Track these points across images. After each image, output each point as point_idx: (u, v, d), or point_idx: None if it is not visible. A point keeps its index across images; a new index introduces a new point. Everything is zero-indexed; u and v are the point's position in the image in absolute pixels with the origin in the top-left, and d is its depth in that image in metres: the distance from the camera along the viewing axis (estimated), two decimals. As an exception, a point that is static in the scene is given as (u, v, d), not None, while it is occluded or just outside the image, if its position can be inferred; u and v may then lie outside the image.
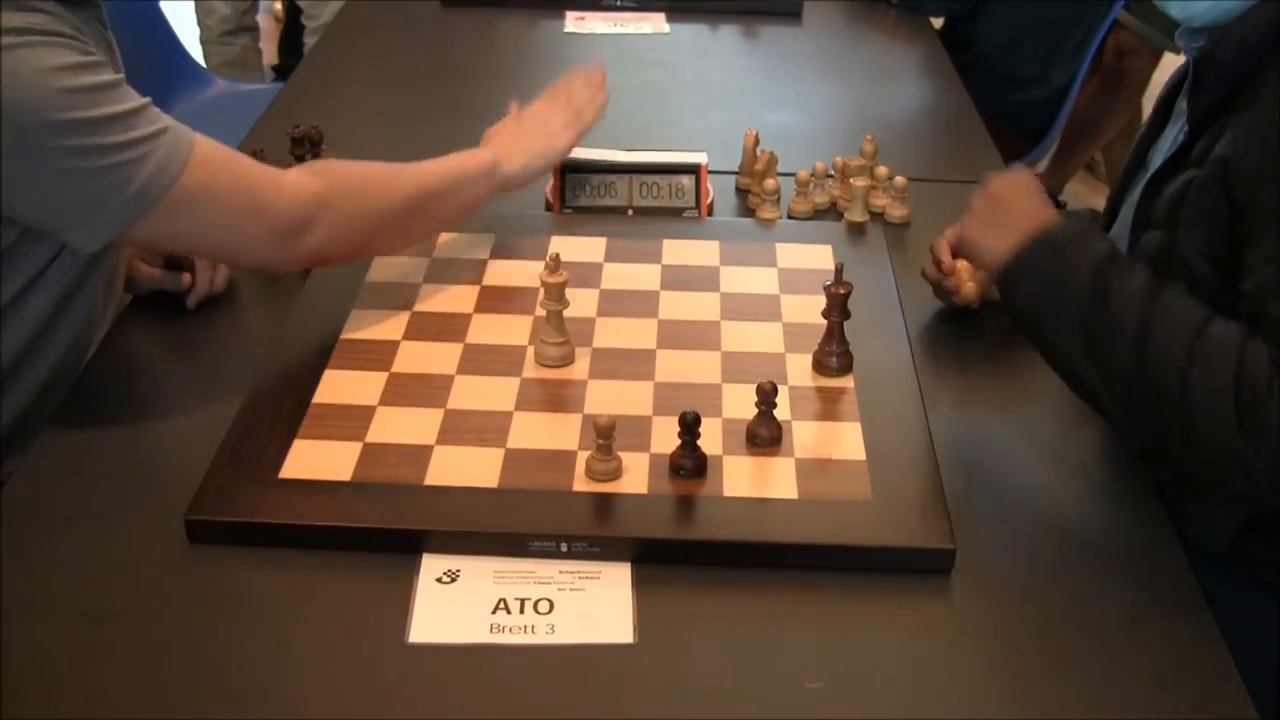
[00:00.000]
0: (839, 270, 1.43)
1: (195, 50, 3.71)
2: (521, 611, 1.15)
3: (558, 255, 1.42)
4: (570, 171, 1.79)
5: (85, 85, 1.27)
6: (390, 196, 1.49)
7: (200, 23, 3.91)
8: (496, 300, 1.56)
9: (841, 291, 1.41)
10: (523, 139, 1.68)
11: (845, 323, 1.43)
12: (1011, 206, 1.34)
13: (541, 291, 1.43)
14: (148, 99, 1.36)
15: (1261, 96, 1.26)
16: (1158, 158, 1.46)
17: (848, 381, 1.42)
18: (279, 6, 4.78)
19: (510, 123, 1.73)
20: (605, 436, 1.25)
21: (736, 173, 1.94)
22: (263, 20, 4.13)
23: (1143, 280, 1.22)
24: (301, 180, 1.42)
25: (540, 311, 1.46)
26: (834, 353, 1.44)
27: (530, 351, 1.46)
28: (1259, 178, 1.24)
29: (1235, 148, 1.27)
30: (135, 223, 1.30)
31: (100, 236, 1.31)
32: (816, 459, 1.30)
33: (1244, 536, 1.38)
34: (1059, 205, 3.76)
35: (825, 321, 1.43)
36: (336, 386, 1.40)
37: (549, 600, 1.17)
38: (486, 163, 1.60)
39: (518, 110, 1.75)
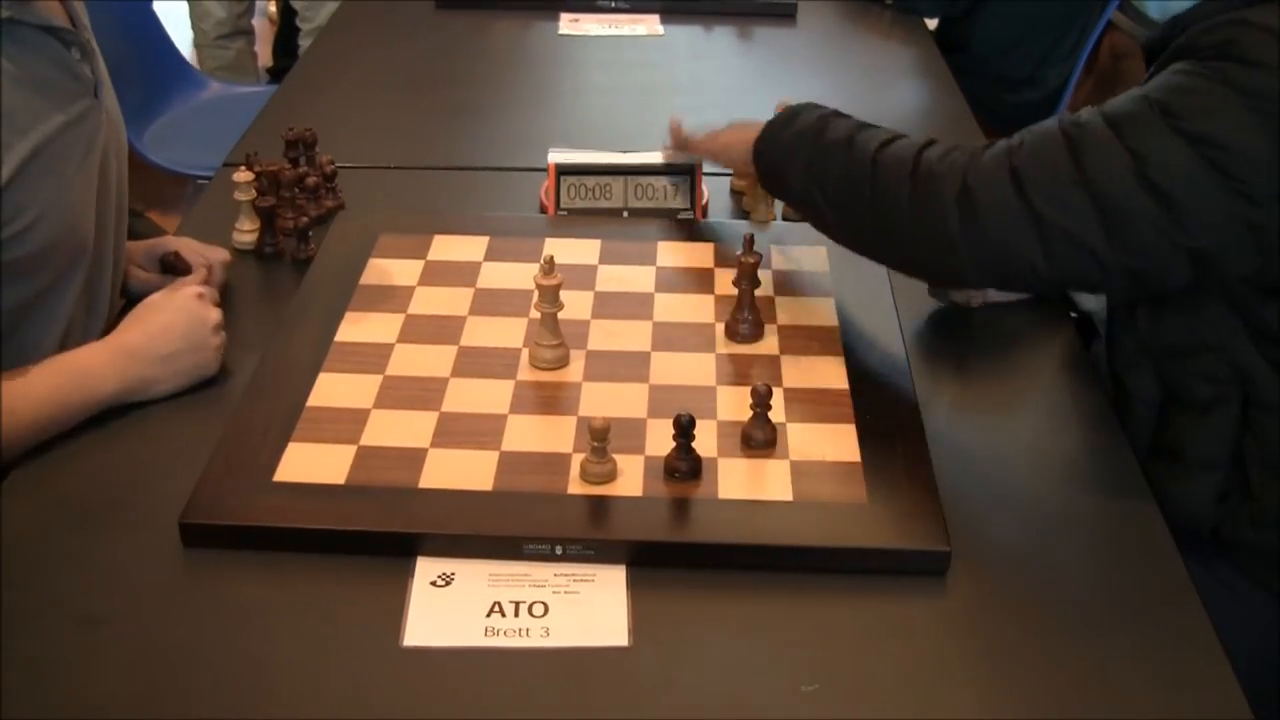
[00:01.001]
0: (749, 240, 1.50)
1: (189, 53, 3.72)
2: (516, 615, 1.15)
3: (552, 258, 1.42)
4: (566, 174, 1.79)
5: None
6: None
7: (194, 26, 3.91)
8: (491, 303, 1.56)
9: (751, 260, 1.48)
10: (160, 375, 1.41)
11: (755, 290, 1.51)
12: (750, 122, 1.58)
13: (536, 294, 1.43)
14: None
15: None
16: None
17: (758, 349, 1.49)
18: (274, 9, 4.78)
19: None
20: (600, 439, 1.25)
21: (731, 175, 1.93)
22: (257, 23, 4.13)
23: (856, 121, 1.47)
24: None
25: (535, 314, 1.46)
26: (744, 320, 1.50)
27: (525, 354, 1.46)
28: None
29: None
30: None
31: None
32: (811, 461, 1.30)
33: (1228, 520, 1.39)
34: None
35: (739, 298, 1.51)
36: (330, 389, 1.40)
37: (544, 603, 1.17)
38: (95, 404, 1.37)
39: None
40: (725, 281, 1.61)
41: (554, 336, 1.44)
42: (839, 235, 1.47)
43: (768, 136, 1.52)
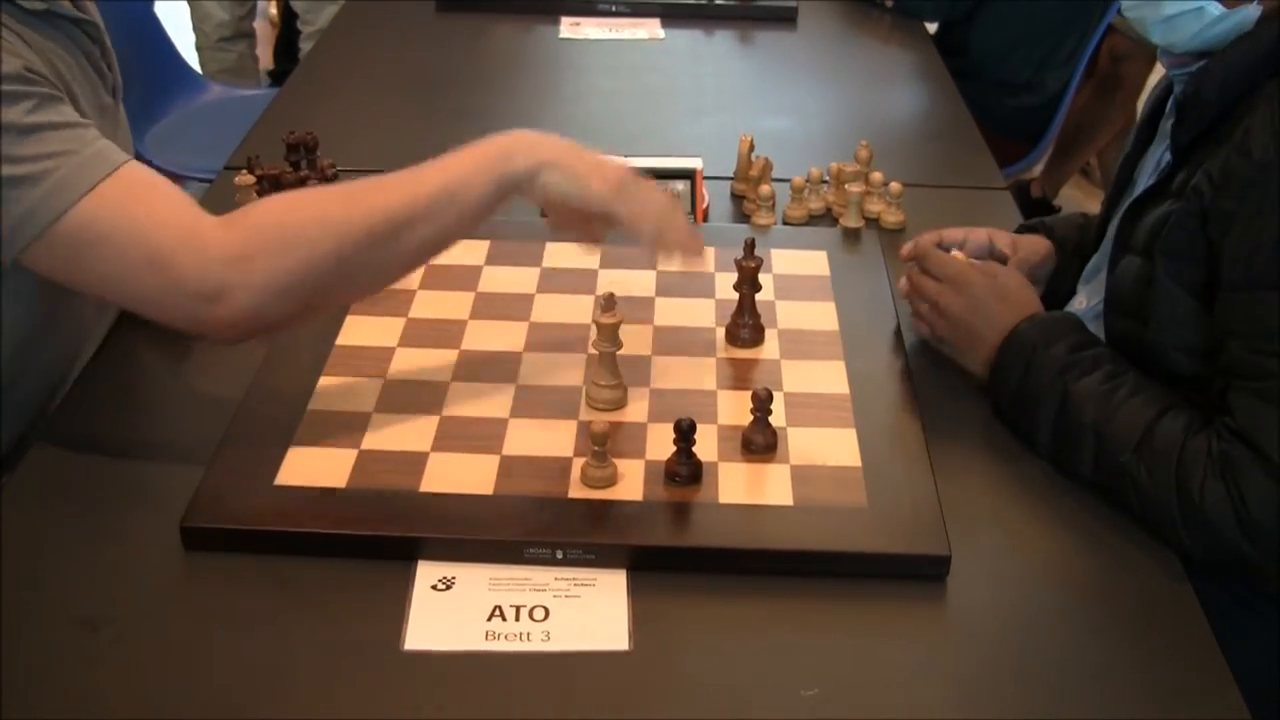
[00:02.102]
0: (749, 244, 1.48)
1: (190, 56, 3.71)
2: (517, 619, 1.15)
3: (612, 294, 1.36)
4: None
5: None
6: (340, 239, 1.23)
7: (196, 29, 3.91)
8: (492, 307, 1.56)
9: (751, 265, 1.47)
10: (548, 146, 1.29)
11: (756, 295, 1.50)
12: (979, 303, 1.45)
13: (594, 331, 1.39)
14: (84, 121, 1.26)
15: (1237, 131, 1.28)
16: (1143, 177, 1.47)
17: (758, 353, 1.48)
18: (275, 12, 4.78)
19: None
20: (600, 443, 1.25)
21: (731, 178, 1.94)
22: (258, 25, 4.13)
23: (1098, 380, 1.32)
24: (223, 235, 1.23)
25: (591, 351, 1.40)
26: (745, 324, 1.49)
27: (525, 358, 1.46)
28: (1230, 216, 1.27)
29: (1210, 183, 1.29)
30: (26, 249, 1.21)
31: None
32: (812, 466, 1.30)
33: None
34: (1054, 210, 3.77)
35: (739, 302, 1.50)
36: (331, 393, 1.40)
37: (544, 607, 1.17)
38: (483, 159, 1.27)
39: None
40: (726, 285, 1.61)
41: (613, 376, 1.38)
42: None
43: (1000, 384, 1.40)
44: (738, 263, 1.48)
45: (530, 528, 1.22)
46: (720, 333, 1.52)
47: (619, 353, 1.37)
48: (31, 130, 1.21)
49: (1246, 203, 1.25)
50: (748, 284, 1.48)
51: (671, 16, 2.74)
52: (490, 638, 1.14)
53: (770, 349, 1.48)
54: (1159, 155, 1.43)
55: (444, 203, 1.25)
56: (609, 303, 1.36)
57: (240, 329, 1.26)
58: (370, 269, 1.27)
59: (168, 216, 1.24)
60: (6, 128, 1.19)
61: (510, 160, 1.26)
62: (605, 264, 1.66)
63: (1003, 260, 1.57)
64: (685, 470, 1.27)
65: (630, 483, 1.27)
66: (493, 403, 1.39)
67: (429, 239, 1.27)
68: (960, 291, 1.46)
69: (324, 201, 1.27)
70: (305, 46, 3.80)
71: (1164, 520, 1.25)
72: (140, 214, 1.22)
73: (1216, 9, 1.31)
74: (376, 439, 1.33)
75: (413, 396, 1.40)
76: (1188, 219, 1.31)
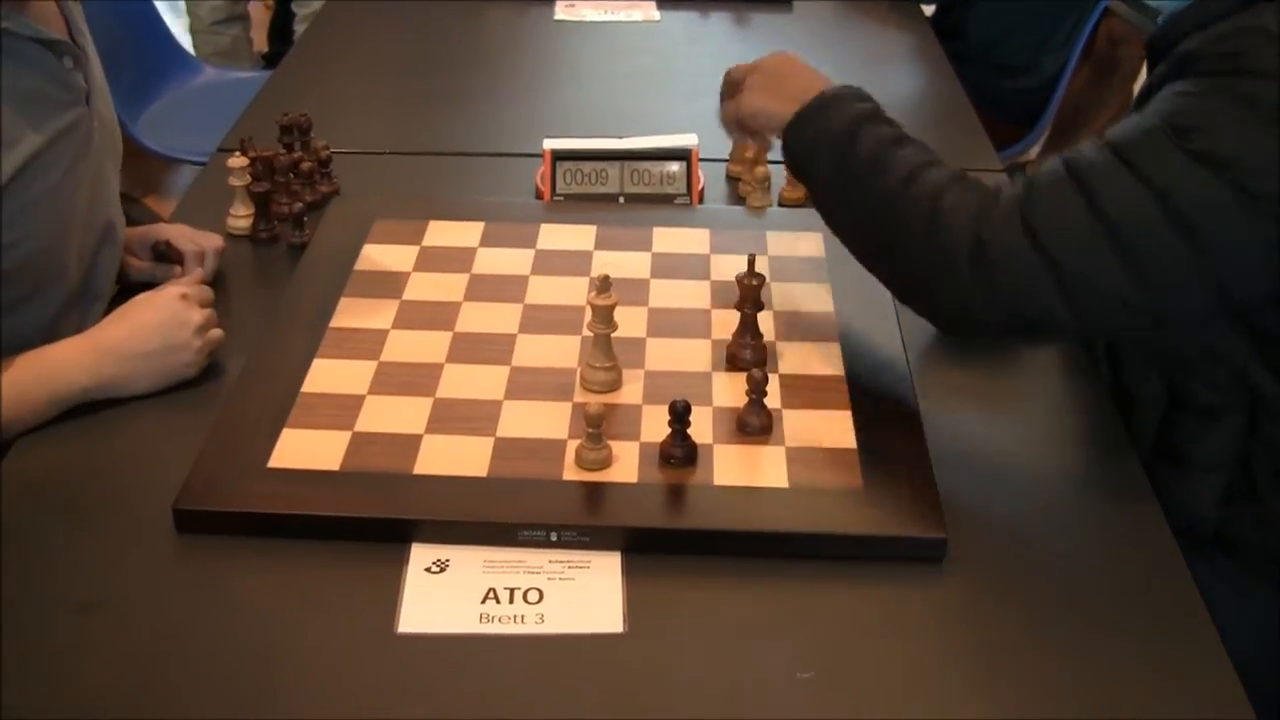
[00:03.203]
0: (751, 261, 1.42)
1: (184, 39, 3.70)
2: (511, 601, 1.15)
3: (607, 276, 1.36)
4: (561, 159, 1.78)
5: None
6: None
7: (190, 12, 3.90)
8: (486, 289, 1.56)
9: (753, 284, 1.41)
10: (134, 373, 1.38)
11: (758, 314, 1.43)
12: (788, 78, 1.46)
13: (589, 313, 1.38)
14: None
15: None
16: None
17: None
18: (269, -6, 4.76)
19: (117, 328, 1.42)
20: (595, 425, 1.25)
21: (727, 160, 1.93)
22: (252, 8, 4.11)
23: (890, 132, 1.35)
24: None
25: (586, 333, 1.41)
26: (747, 345, 1.43)
27: (519, 340, 1.46)
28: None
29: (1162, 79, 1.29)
30: None
31: None
32: (807, 447, 1.30)
33: (1227, 521, 1.39)
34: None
35: (741, 322, 1.43)
36: (325, 375, 1.39)
37: (539, 590, 1.16)
38: (66, 399, 1.35)
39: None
40: (720, 267, 1.61)
41: (607, 358, 1.39)
42: (854, 252, 1.38)
43: (797, 127, 1.40)
44: (739, 280, 1.42)
45: (524, 510, 1.21)
46: (716, 315, 1.51)
47: (614, 335, 1.37)
48: None
49: (1201, 68, 1.24)
50: (750, 304, 1.42)
51: (666, -2, 2.73)
52: (484, 620, 1.13)
53: (766, 331, 1.48)
54: None
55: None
56: (604, 285, 1.35)
57: None
58: None
59: None
60: None
61: (87, 394, 1.36)
62: (600, 246, 1.65)
63: None
64: (680, 452, 1.27)
65: (625, 465, 1.27)
66: (487, 385, 1.38)
67: None
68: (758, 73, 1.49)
69: None
70: (299, 29, 3.79)
71: (908, 228, 1.27)
72: None
73: None
74: (370, 421, 1.33)
75: (407, 379, 1.39)
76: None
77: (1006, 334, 1.35)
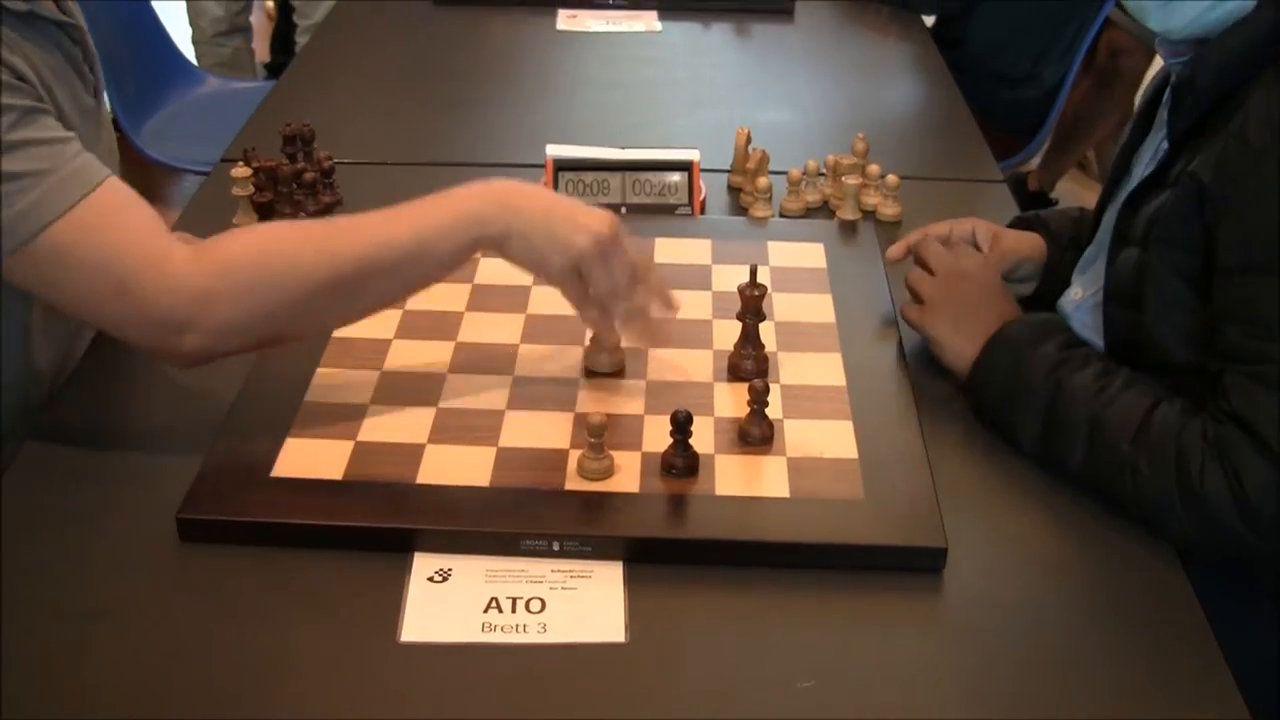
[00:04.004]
0: (753, 272, 1.41)
1: (187, 50, 3.71)
2: (513, 610, 1.15)
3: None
4: (564, 169, 1.78)
5: None
6: (307, 284, 1.24)
7: (192, 23, 3.90)
8: (488, 299, 1.56)
9: (755, 294, 1.40)
10: (532, 205, 1.30)
11: (760, 325, 1.43)
12: (968, 302, 1.46)
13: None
14: (65, 135, 1.26)
15: (1233, 124, 1.27)
16: (1140, 166, 1.46)
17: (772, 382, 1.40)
18: (271, 5, 4.77)
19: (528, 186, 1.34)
20: (597, 435, 1.25)
21: (729, 171, 1.94)
22: (255, 19, 4.12)
23: (1091, 376, 1.32)
24: (188, 270, 1.23)
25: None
26: (749, 355, 1.43)
27: (521, 350, 1.46)
28: (1226, 202, 1.26)
29: (1207, 170, 1.28)
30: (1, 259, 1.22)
31: None
32: (808, 458, 1.30)
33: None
34: (1052, 203, 3.77)
35: (743, 332, 1.43)
36: (328, 385, 1.40)
37: (541, 599, 1.17)
38: (457, 217, 1.28)
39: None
40: (722, 278, 1.61)
41: (612, 341, 1.42)
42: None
43: (983, 378, 1.39)
44: (741, 290, 1.41)
45: (527, 519, 1.22)
46: (717, 325, 1.51)
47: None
48: (12, 148, 1.20)
49: (1243, 189, 1.25)
50: (751, 314, 1.42)
51: (668, 9, 2.73)
52: (486, 629, 1.14)
53: (767, 341, 1.48)
54: (1156, 145, 1.43)
55: (414, 256, 1.28)
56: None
57: (199, 360, 1.28)
58: (333, 314, 1.32)
59: (139, 243, 1.24)
60: None
61: (482, 224, 1.28)
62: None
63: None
64: (682, 462, 1.27)
65: (627, 475, 1.27)
66: (489, 395, 1.39)
67: (393, 290, 1.31)
68: (948, 287, 1.47)
69: (297, 242, 1.27)
70: (301, 40, 3.80)
71: (1162, 507, 1.24)
72: (112, 240, 1.23)
73: None
74: (373, 431, 1.33)
75: (409, 388, 1.40)
76: (1183, 206, 1.30)
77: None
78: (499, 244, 1.29)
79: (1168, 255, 1.33)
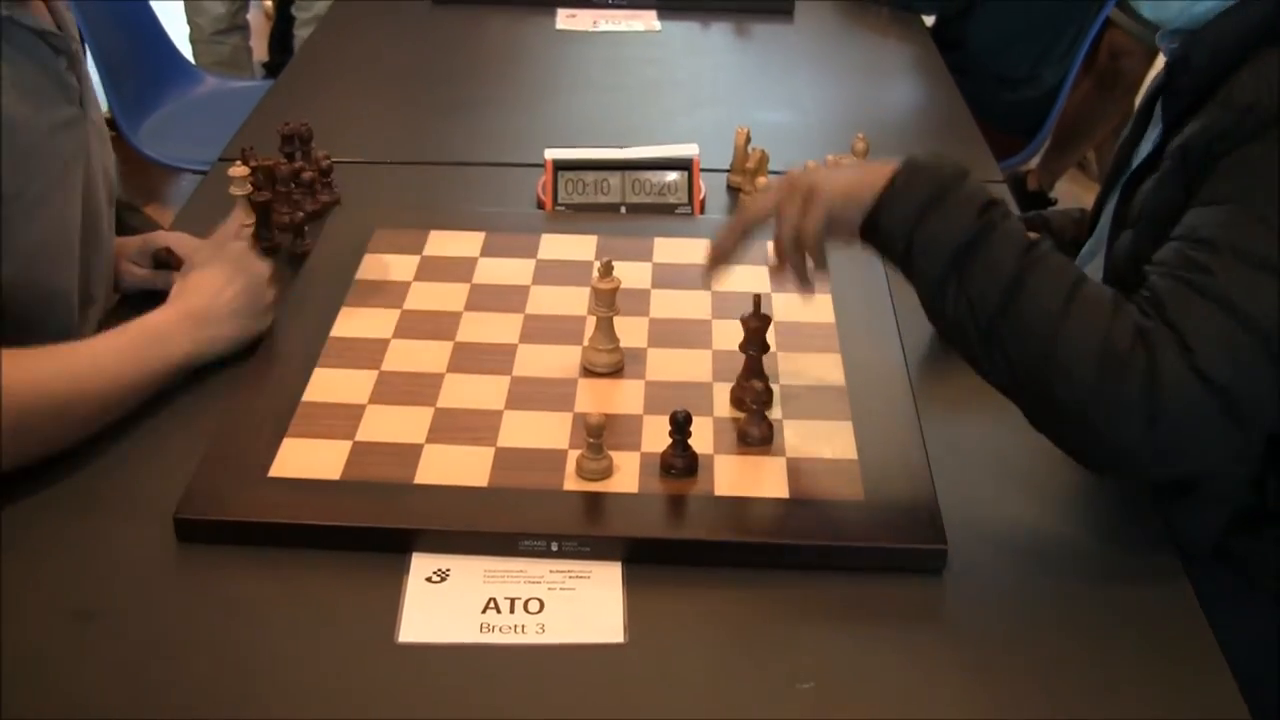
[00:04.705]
0: (757, 302, 1.34)
1: (184, 48, 3.70)
2: (512, 611, 1.15)
3: (610, 261, 1.39)
4: (563, 169, 1.78)
5: None
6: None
7: (190, 21, 3.90)
8: (487, 298, 1.56)
9: (756, 325, 1.33)
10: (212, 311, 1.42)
11: (764, 355, 1.35)
12: (854, 166, 1.37)
13: (592, 297, 1.41)
14: None
15: (1221, 94, 1.27)
16: (1139, 160, 1.46)
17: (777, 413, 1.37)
18: (269, 4, 4.77)
19: (196, 281, 1.44)
20: (596, 435, 1.25)
21: (728, 171, 1.93)
22: (252, 17, 4.12)
23: (1022, 227, 1.20)
24: None
25: (590, 317, 1.42)
26: (750, 390, 1.36)
27: (520, 350, 1.46)
28: (1213, 158, 1.24)
29: (1196, 139, 1.27)
30: None
31: None
32: (808, 458, 1.30)
33: (1231, 535, 1.38)
34: (1050, 203, 3.77)
35: (745, 365, 1.37)
36: (326, 385, 1.39)
37: (539, 600, 1.16)
38: (163, 363, 1.36)
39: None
40: (722, 278, 1.60)
41: (610, 340, 1.42)
42: (990, 379, 1.22)
43: (890, 208, 1.21)
44: (744, 321, 1.34)
45: (525, 520, 1.21)
46: (716, 326, 1.51)
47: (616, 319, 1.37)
48: None
49: (1225, 142, 1.23)
50: (755, 346, 1.34)
51: (667, 8, 2.73)
52: (485, 630, 1.13)
53: (767, 341, 1.48)
54: (1155, 138, 1.43)
55: (129, 394, 1.34)
56: (606, 269, 1.37)
57: None
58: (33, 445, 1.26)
59: None
60: None
61: (166, 344, 1.38)
62: (601, 255, 1.65)
63: None
64: (681, 462, 1.27)
65: (626, 475, 1.26)
66: (488, 395, 1.38)
67: (104, 415, 1.32)
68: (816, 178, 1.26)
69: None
70: (300, 34, 3.80)
71: (1071, 373, 1.12)
72: None
73: None
74: (371, 431, 1.33)
75: (407, 388, 1.39)
76: (1169, 175, 1.30)
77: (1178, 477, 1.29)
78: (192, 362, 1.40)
79: (1155, 230, 1.31)
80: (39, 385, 1.24)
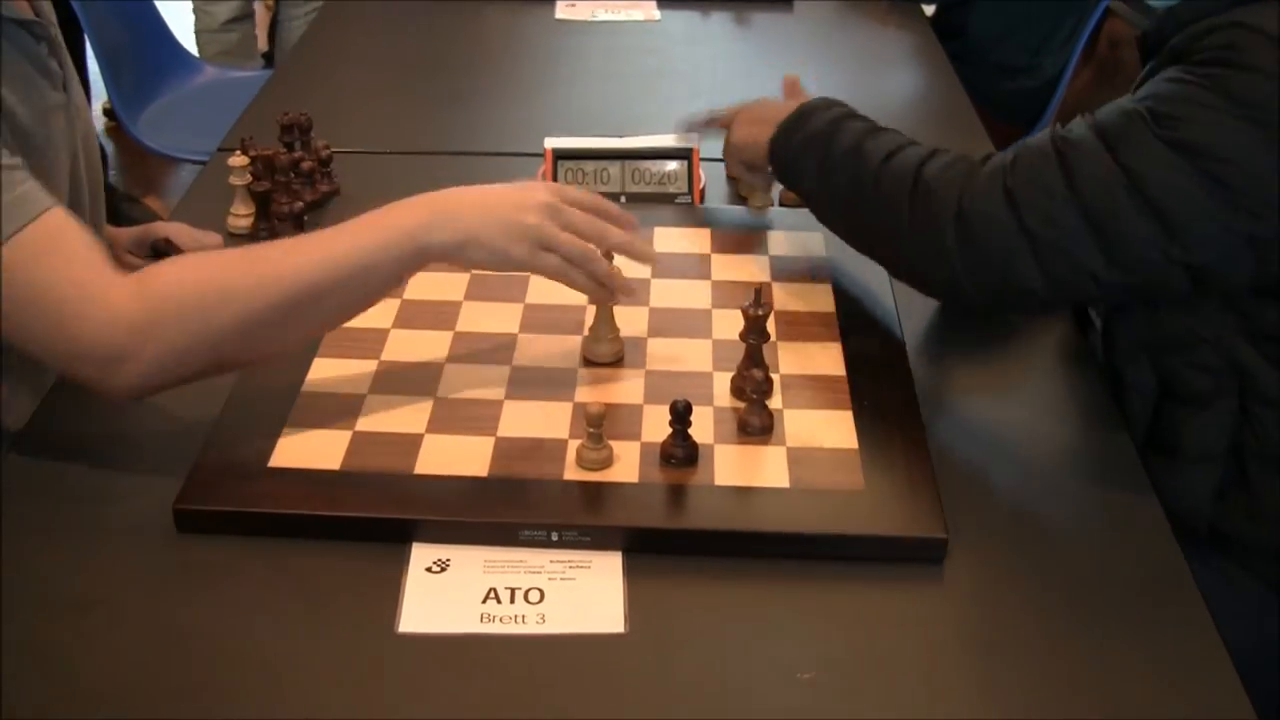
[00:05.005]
0: (757, 292, 1.34)
1: (184, 39, 3.70)
2: (512, 601, 1.15)
3: (609, 250, 1.36)
4: (563, 158, 1.78)
5: None
6: (242, 313, 1.22)
7: (200, 10, 3.88)
8: (487, 288, 1.56)
9: (758, 314, 1.33)
10: (471, 205, 1.30)
11: (764, 345, 1.35)
12: (767, 107, 1.62)
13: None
14: (9, 162, 1.23)
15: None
16: None
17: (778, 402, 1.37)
18: (270, -2, 4.76)
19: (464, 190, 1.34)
20: (596, 425, 1.24)
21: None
22: (256, 7, 4.11)
23: (865, 124, 1.48)
24: (126, 302, 1.21)
25: (590, 307, 1.43)
26: (751, 378, 1.36)
27: (520, 340, 1.46)
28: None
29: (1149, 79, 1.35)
30: None
31: None
32: (808, 448, 1.30)
33: (1224, 519, 1.39)
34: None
35: (746, 354, 1.36)
36: (325, 374, 1.39)
37: (539, 590, 1.16)
38: (400, 233, 1.26)
39: None
40: (722, 266, 1.61)
41: (610, 330, 1.41)
42: (849, 241, 1.49)
43: (781, 139, 1.53)
44: (743, 310, 1.34)
45: (525, 510, 1.21)
46: (716, 315, 1.51)
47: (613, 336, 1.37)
48: None
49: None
50: (755, 335, 1.34)
51: (667, -2, 2.73)
52: (485, 620, 1.13)
53: (767, 330, 1.47)
54: None
55: (356, 278, 1.26)
56: (606, 256, 1.36)
57: (139, 392, 1.25)
58: (272, 339, 1.27)
59: (77, 276, 1.21)
60: None
61: (429, 235, 1.27)
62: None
63: None
64: (681, 452, 1.26)
65: (626, 465, 1.26)
66: (488, 385, 1.38)
67: (335, 311, 1.29)
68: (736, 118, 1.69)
69: (234, 270, 1.25)
70: (294, 27, 3.79)
71: (896, 196, 1.37)
72: (48, 273, 1.21)
73: None
74: (371, 421, 1.32)
75: (407, 378, 1.39)
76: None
77: (992, 303, 1.38)
78: (453, 253, 1.28)
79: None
80: (300, 273, 1.23)
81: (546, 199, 1.30)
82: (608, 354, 1.41)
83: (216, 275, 1.25)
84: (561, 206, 1.30)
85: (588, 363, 1.42)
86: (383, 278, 1.27)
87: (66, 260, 1.22)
